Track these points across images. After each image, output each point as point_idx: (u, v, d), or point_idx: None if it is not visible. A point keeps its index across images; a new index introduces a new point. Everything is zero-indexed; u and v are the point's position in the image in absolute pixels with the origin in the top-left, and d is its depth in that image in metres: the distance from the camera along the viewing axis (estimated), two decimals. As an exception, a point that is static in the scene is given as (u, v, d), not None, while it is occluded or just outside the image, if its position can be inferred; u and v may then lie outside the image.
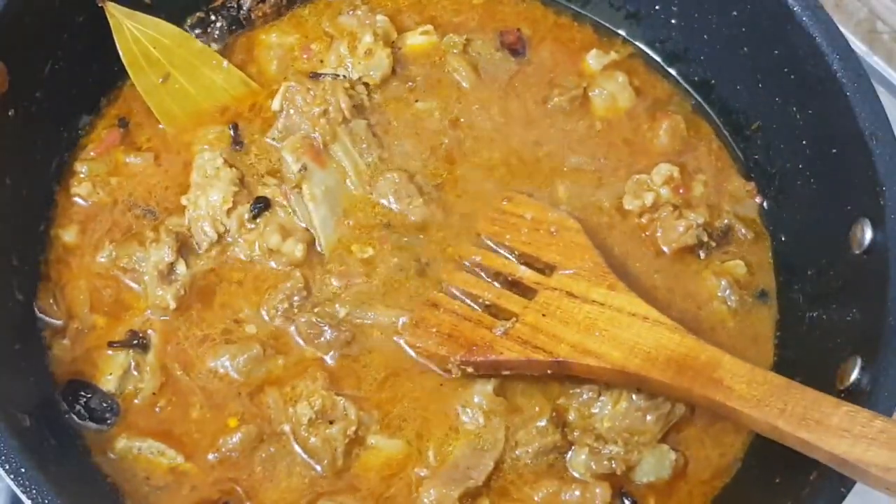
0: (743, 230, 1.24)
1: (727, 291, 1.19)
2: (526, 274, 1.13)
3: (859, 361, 0.99)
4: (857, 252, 1.06)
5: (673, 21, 1.33)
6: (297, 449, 1.06)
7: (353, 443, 1.06)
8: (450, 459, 1.07)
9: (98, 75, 1.24)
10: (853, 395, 0.98)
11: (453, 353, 1.08)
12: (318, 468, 1.05)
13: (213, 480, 1.05)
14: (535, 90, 1.31)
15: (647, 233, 1.21)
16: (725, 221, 1.23)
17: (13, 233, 1.11)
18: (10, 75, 1.08)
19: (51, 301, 1.12)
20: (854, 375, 0.99)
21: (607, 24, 1.37)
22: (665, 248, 1.20)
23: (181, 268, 1.13)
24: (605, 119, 1.30)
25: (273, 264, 1.15)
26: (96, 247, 1.16)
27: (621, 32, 1.37)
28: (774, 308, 1.20)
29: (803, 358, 1.14)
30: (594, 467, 1.07)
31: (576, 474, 1.08)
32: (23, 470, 0.88)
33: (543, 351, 1.05)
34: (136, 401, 1.08)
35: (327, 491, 1.05)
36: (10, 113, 1.10)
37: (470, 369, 1.08)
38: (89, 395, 1.07)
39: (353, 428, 1.06)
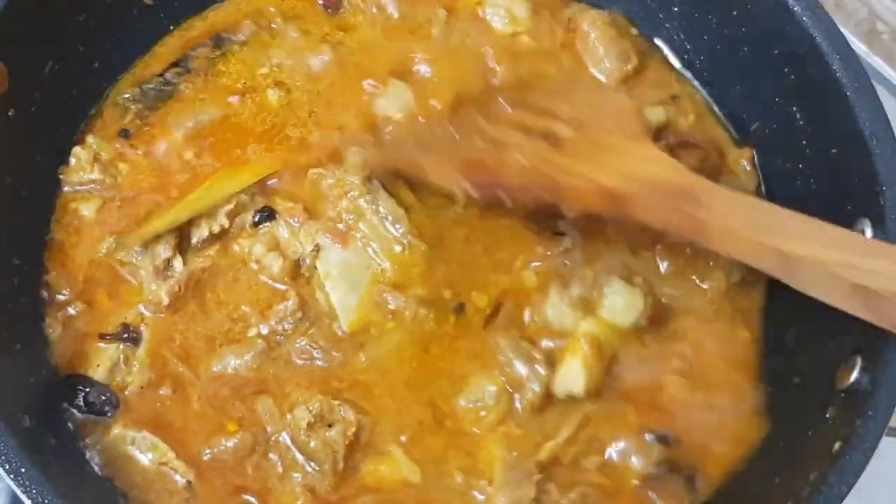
0: None
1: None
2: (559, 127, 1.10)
3: (859, 361, 0.99)
4: (858, 252, 1.06)
5: (673, 21, 1.33)
6: (298, 456, 1.05)
7: (353, 445, 1.05)
8: (496, 465, 1.04)
9: (99, 75, 1.24)
10: (853, 395, 0.99)
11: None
12: (319, 474, 1.04)
13: (218, 489, 1.04)
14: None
15: None
16: None
17: (13, 234, 1.11)
18: (10, 75, 1.07)
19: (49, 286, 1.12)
20: (854, 375, 0.99)
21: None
22: None
23: (178, 264, 1.12)
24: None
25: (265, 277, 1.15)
26: (96, 240, 1.15)
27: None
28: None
29: (803, 358, 1.14)
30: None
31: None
32: (23, 470, 0.88)
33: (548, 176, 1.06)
34: (125, 393, 1.08)
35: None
36: (10, 113, 1.10)
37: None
38: (87, 389, 1.07)
39: (353, 430, 1.05)
